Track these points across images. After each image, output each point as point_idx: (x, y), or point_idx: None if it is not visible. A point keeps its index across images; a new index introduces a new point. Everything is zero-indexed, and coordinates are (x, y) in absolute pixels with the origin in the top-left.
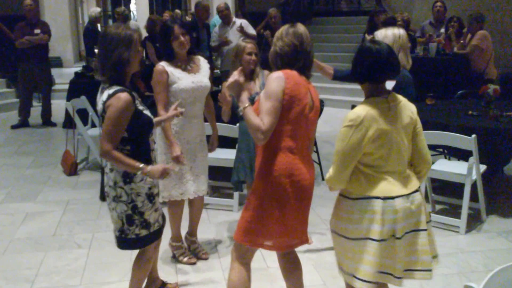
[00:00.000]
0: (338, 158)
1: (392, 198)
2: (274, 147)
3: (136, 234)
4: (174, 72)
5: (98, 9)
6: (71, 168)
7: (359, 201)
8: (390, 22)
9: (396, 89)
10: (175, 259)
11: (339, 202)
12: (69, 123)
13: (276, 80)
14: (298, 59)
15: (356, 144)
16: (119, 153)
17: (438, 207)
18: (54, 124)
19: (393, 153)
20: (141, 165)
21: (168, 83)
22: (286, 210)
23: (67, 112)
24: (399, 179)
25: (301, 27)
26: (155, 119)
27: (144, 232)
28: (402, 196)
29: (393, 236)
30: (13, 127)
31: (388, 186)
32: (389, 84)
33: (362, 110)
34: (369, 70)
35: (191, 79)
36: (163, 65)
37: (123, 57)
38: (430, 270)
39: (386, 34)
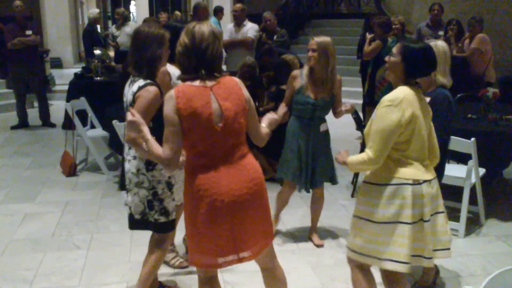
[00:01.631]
0: (379, 138)
1: (420, 183)
2: (187, 165)
3: (155, 219)
4: (176, 74)
5: (97, 10)
6: (70, 169)
7: (388, 187)
8: (385, 25)
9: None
10: (166, 263)
11: (365, 189)
12: (68, 124)
13: (168, 102)
14: (190, 59)
15: (396, 123)
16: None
17: None
18: (53, 125)
19: (418, 139)
20: None
21: (170, 85)
22: (199, 228)
23: (66, 113)
24: (422, 165)
25: (199, 25)
26: None
27: (162, 219)
28: (426, 181)
29: (422, 220)
30: (13, 127)
31: (415, 171)
32: None
33: (401, 93)
34: (423, 68)
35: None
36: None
37: (157, 54)
38: (449, 249)
39: (436, 45)
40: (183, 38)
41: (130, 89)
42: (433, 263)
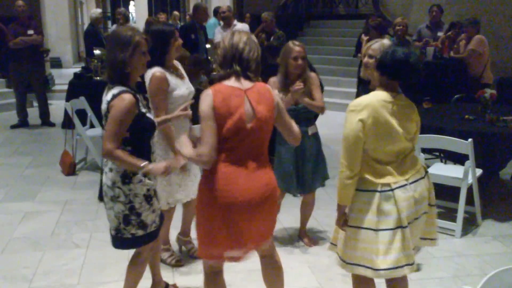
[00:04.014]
0: (345, 144)
1: (391, 189)
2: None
3: (132, 234)
4: (171, 79)
5: (99, 10)
6: (70, 168)
7: (361, 193)
8: (379, 27)
9: None
10: (162, 261)
11: None
12: (68, 123)
13: (204, 99)
14: (226, 56)
15: (358, 129)
16: (122, 152)
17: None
18: (53, 125)
19: (391, 145)
20: (143, 164)
21: (168, 90)
22: (211, 221)
23: (66, 113)
24: (400, 169)
25: (240, 32)
26: (160, 118)
27: (140, 232)
28: (402, 186)
29: (400, 227)
30: (12, 127)
31: (384, 177)
32: None
33: (365, 99)
34: (398, 67)
35: (184, 85)
36: (161, 71)
37: (118, 59)
38: (435, 239)
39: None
40: (224, 42)
41: (105, 98)
42: (415, 269)
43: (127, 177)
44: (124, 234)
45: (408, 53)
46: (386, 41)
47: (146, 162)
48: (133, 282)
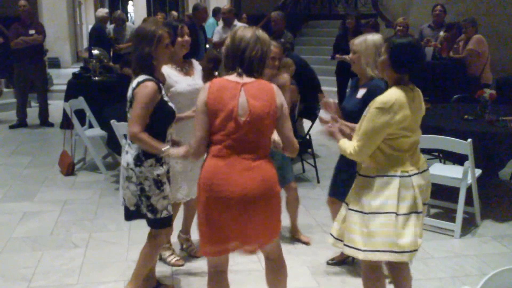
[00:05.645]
0: (364, 137)
1: (409, 175)
2: (207, 153)
3: (144, 213)
4: (171, 75)
5: (106, 10)
6: (68, 169)
7: (377, 179)
8: (375, 26)
9: (368, 98)
10: (162, 260)
11: (358, 182)
12: (66, 123)
13: (202, 91)
14: (229, 58)
15: (383, 125)
16: (146, 135)
17: (433, 210)
18: (51, 125)
19: (411, 137)
20: (165, 148)
21: (165, 86)
22: (208, 216)
23: (64, 113)
24: (413, 159)
25: (243, 29)
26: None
27: (149, 215)
28: (416, 174)
29: (416, 212)
30: (11, 127)
31: (404, 163)
32: (360, 92)
33: (393, 96)
34: (410, 61)
35: (187, 82)
36: None
37: (144, 52)
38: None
39: (366, 39)
40: (227, 40)
41: (131, 86)
42: (411, 258)
43: (139, 159)
44: (142, 210)
45: (410, 41)
46: (369, 36)
47: (168, 147)
48: (144, 265)
